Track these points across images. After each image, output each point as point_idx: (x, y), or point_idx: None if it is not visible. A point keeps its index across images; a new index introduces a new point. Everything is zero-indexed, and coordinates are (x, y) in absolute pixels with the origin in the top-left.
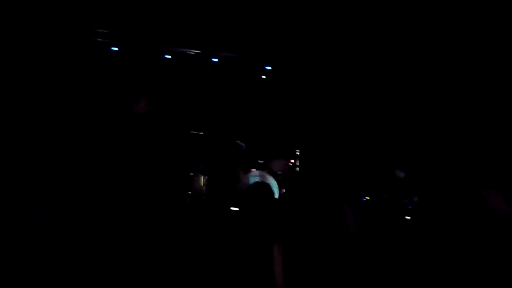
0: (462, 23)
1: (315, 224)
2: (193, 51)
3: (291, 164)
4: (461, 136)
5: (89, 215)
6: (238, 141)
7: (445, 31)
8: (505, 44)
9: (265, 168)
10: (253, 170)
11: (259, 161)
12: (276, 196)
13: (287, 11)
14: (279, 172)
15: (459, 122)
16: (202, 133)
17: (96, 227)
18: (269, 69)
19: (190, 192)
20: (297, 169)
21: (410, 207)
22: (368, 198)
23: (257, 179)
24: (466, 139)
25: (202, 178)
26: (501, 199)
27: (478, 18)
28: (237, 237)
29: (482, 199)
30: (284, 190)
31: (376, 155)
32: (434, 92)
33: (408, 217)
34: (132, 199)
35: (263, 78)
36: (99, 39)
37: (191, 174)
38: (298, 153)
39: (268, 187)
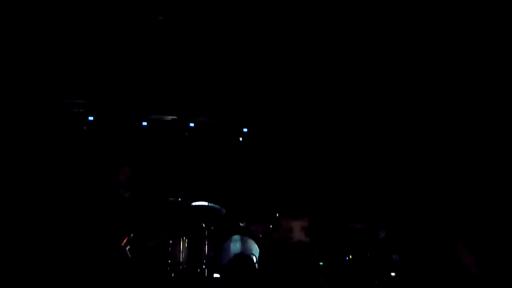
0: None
1: None
2: (169, 117)
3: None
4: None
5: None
6: (218, 206)
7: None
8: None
9: (245, 232)
10: (234, 235)
11: (240, 225)
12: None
13: (261, 75)
14: (260, 236)
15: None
16: (180, 199)
17: None
18: (246, 132)
19: (169, 261)
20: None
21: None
22: (350, 257)
23: (237, 244)
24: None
25: (181, 246)
26: (473, 260)
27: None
28: None
29: (455, 256)
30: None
31: (354, 215)
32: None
33: (393, 274)
34: (110, 269)
35: (240, 141)
36: (76, 110)
37: (170, 242)
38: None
39: (250, 261)
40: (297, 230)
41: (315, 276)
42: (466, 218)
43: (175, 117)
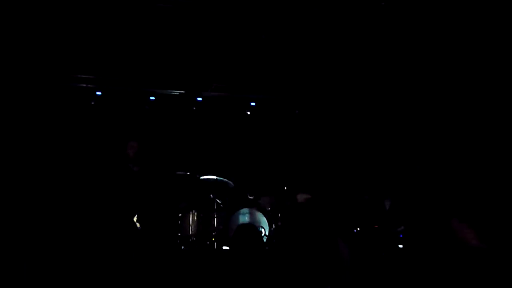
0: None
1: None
2: (177, 92)
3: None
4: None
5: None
6: (226, 180)
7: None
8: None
9: (254, 204)
10: (243, 208)
11: (248, 198)
12: (267, 232)
13: (268, 48)
14: (268, 208)
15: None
16: (188, 173)
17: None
18: (254, 105)
19: (179, 233)
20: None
21: (401, 236)
22: (358, 229)
23: (246, 216)
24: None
25: (191, 219)
26: (472, 233)
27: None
28: (227, 280)
29: (453, 230)
30: (274, 227)
31: (363, 186)
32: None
33: (400, 246)
34: (121, 241)
35: (248, 114)
36: (83, 85)
37: (180, 214)
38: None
39: (255, 229)
40: (301, 201)
41: (333, 240)
42: (462, 193)
43: (182, 91)
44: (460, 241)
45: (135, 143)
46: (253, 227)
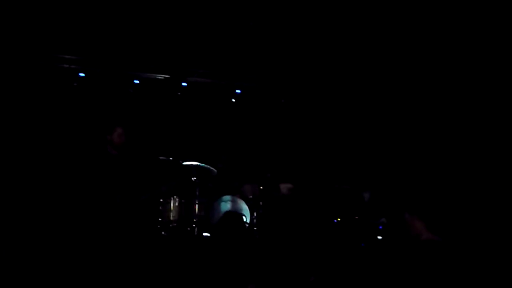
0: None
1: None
2: (161, 76)
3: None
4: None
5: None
6: (209, 166)
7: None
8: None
9: (236, 192)
10: (225, 195)
11: (231, 186)
12: (248, 220)
13: (256, 35)
14: (250, 196)
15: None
16: (171, 158)
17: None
18: (239, 93)
19: (160, 219)
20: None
21: (380, 227)
22: (339, 219)
23: (228, 204)
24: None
25: (172, 205)
26: (423, 225)
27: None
28: (209, 267)
29: (405, 224)
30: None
31: (344, 176)
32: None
33: (379, 237)
34: (102, 227)
35: (233, 102)
36: (66, 65)
37: (161, 200)
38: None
39: (240, 217)
40: (284, 191)
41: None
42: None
43: (167, 75)
44: (413, 235)
45: (121, 130)
46: (238, 215)
